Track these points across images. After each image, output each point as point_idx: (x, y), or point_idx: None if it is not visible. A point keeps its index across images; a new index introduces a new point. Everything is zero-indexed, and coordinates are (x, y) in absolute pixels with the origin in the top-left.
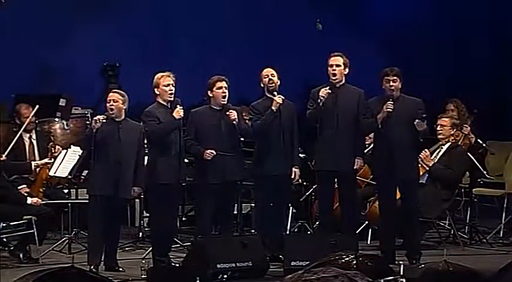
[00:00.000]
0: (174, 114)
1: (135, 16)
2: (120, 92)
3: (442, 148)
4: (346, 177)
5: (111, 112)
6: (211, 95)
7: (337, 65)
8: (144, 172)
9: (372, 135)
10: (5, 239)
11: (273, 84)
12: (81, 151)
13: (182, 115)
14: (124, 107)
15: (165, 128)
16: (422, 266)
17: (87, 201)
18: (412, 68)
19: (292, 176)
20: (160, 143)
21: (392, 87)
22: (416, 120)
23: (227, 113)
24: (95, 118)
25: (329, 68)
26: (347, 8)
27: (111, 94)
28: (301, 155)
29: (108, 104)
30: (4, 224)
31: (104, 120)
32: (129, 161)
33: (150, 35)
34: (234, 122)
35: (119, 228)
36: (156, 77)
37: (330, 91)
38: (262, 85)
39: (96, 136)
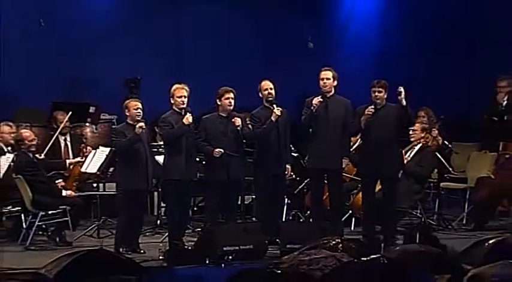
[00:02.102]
0: (183, 120)
1: (154, 38)
2: (139, 100)
3: (414, 148)
4: (334, 174)
5: (139, 118)
6: (219, 104)
7: (327, 78)
8: (161, 169)
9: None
10: (44, 226)
11: (272, 97)
12: (108, 151)
13: (191, 121)
14: None
15: (175, 132)
16: (398, 248)
17: (113, 193)
18: (389, 79)
19: (286, 172)
20: (174, 145)
21: (378, 97)
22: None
23: (232, 120)
24: (141, 125)
25: (320, 81)
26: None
27: (137, 104)
28: (294, 154)
29: (136, 112)
30: (43, 213)
31: (144, 127)
32: (149, 158)
33: (167, 54)
34: (238, 129)
35: (143, 216)
36: (172, 88)
37: (321, 100)
38: (261, 95)
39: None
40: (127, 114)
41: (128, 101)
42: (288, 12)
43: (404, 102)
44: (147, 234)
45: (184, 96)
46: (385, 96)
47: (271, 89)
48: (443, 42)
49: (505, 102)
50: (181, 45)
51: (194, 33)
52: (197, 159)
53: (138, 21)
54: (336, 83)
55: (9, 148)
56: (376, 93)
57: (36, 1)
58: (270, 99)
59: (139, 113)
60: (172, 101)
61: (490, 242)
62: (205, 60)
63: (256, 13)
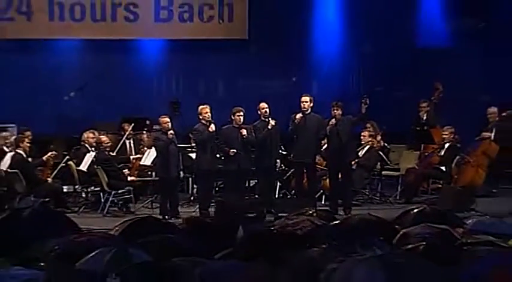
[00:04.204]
0: (209, 129)
1: (188, 74)
2: (168, 116)
3: (364, 148)
4: (310, 166)
5: (169, 128)
6: (233, 118)
7: (306, 101)
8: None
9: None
10: (115, 200)
11: (267, 113)
12: None
13: (214, 129)
14: None
15: (203, 138)
16: (356, 216)
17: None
18: (349, 98)
19: (277, 164)
20: (202, 146)
21: (336, 113)
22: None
23: (240, 131)
24: (171, 132)
25: (301, 103)
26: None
27: (167, 119)
28: (284, 152)
29: (165, 125)
30: (115, 192)
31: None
32: (179, 155)
33: (196, 85)
34: (244, 137)
35: (177, 194)
36: (199, 107)
37: (302, 116)
38: (259, 113)
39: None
40: (160, 127)
41: (160, 118)
42: (281, 55)
43: (364, 110)
44: (184, 206)
45: (209, 113)
46: (341, 112)
47: (267, 108)
48: (388, 72)
49: (425, 117)
50: (206, 79)
51: (213, 71)
52: (217, 155)
53: (176, 65)
54: (312, 104)
55: (92, 148)
56: (335, 111)
57: (107, 53)
58: (266, 115)
59: (169, 125)
60: (200, 117)
61: (415, 211)
62: (222, 89)
63: (256, 56)
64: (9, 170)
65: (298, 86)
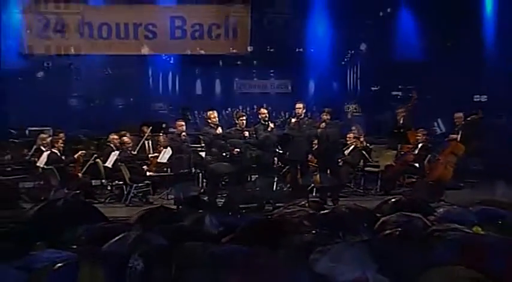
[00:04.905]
0: (216, 131)
1: (200, 84)
2: (183, 120)
3: (350, 148)
4: (303, 163)
5: (184, 129)
6: (237, 122)
7: (300, 107)
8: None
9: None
10: (136, 193)
11: (266, 118)
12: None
13: (220, 131)
14: None
15: (211, 139)
16: (342, 206)
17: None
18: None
19: (274, 162)
20: (211, 146)
21: (325, 118)
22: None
23: (244, 132)
24: (184, 134)
25: (295, 109)
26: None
27: (182, 123)
28: (280, 151)
29: (180, 128)
30: (135, 185)
31: (185, 135)
32: (190, 153)
33: (206, 93)
34: (246, 138)
35: (189, 186)
36: (208, 113)
37: (296, 120)
38: (259, 117)
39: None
40: (175, 129)
41: (176, 122)
42: (280, 66)
43: (350, 116)
44: None
45: (216, 117)
46: (329, 117)
47: (266, 113)
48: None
49: (401, 121)
50: (214, 88)
51: (221, 81)
52: (223, 154)
53: (189, 75)
54: (304, 110)
55: (117, 148)
56: (324, 116)
57: (129, 66)
58: (266, 119)
59: (183, 127)
60: (209, 121)
61: (392, 201)
62: (227, 96)
63: (257, 68)
64: (45, 167)
65: (294, 94)
